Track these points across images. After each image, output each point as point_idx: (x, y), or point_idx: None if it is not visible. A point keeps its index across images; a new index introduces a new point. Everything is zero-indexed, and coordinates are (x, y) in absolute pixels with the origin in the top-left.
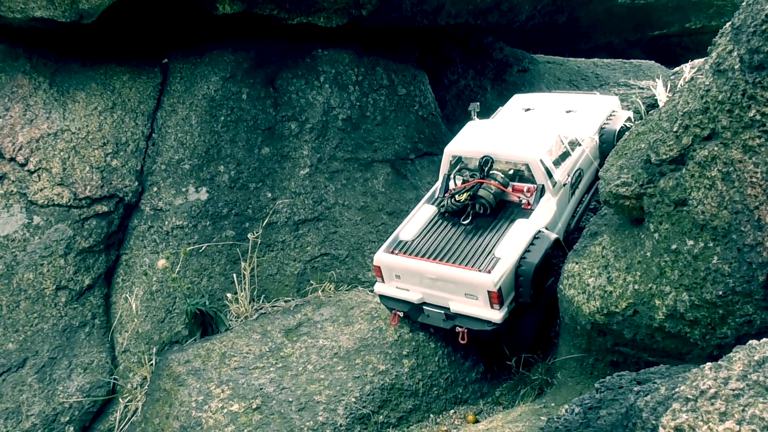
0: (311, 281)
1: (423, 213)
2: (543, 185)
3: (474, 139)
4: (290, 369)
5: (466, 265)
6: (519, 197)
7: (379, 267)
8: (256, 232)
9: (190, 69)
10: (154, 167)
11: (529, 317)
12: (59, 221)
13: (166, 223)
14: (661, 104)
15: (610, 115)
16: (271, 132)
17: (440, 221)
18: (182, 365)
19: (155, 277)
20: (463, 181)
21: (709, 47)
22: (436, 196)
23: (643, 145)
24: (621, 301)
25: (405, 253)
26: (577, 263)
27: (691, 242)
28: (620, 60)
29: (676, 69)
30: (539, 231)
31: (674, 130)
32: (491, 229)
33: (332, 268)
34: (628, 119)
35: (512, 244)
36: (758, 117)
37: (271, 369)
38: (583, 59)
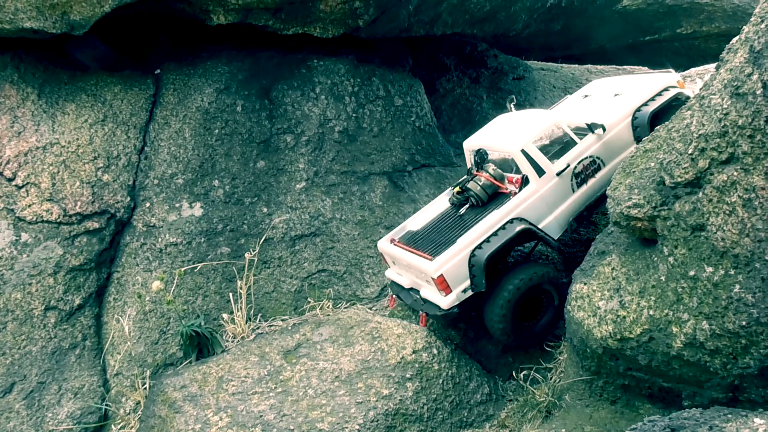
0: (309, 299)
1: (436, 204)
2: (526, 176)
3: (483, 134)
4: (290, 394)
5: (428, 254)
6: (509, 189)
7: (382, 253)
8: (253, 250)
9: (183, 80)
10: (146, 182)
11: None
12: (48, 238)
13: (160, 240)
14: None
15: (656, 96)
16: (267, 145)
17: (447, 213)
18: (178, 390)
19: (149, 297)
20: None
21: (716, 63)
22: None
23: (652, 164)
24: (635, 327)
25: (400, 242)
26: (585, 284)
27: (710, 269)
28: (613, 66)
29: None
30: (511, 220)
31: (689, 152)
32: (477, 220)
33: (330, 284)
34: (676, 98)
35: (473, 232)
36: None
37: (271, 394)
38: (577, 66)
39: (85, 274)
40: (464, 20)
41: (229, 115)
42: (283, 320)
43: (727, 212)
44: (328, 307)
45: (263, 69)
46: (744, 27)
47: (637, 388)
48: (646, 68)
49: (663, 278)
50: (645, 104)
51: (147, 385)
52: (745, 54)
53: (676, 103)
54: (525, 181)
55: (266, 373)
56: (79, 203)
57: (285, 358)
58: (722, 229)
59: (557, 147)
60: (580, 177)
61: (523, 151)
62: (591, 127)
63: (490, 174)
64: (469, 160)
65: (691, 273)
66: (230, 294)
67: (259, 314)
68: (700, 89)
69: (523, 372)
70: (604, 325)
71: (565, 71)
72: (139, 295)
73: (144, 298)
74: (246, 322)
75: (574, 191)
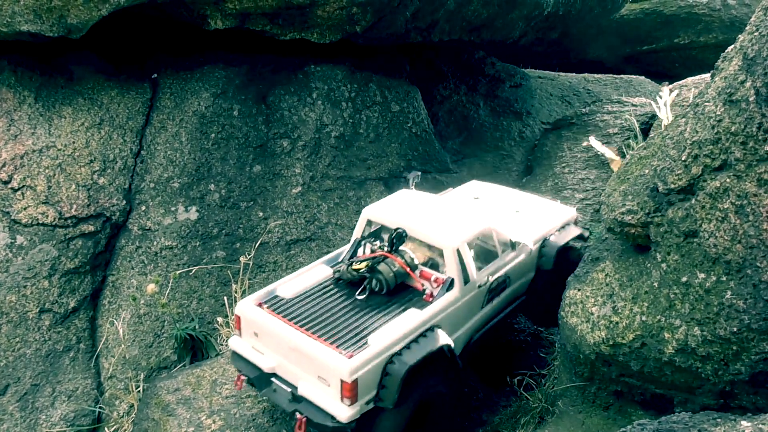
0: None
1: (314, 273)
2: (453, 279)
3: (397, 209)
4: None
5: (330, 343)
6: (424, 285)
7: (239, 317)
8: (248, 254)
9: (180, 84)
10: (142, 185)
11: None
12: (43, 241)
13: (155, 243)
14: (664, 123)
15: (560, 228)
16: (263, 149)
17: (330, 288)
18: (171, 393)
19: (143, 300)
20: (372, 251)
21: (711, 71)
22: (340, 259)
23: (646, 171)
24: (628, 333)
25: (273, 310)
26: (579, 290)
27: (702, 275)
28: (611, 75)
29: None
30: (431, 329)
31: (683, 158)
32: (380, 311)
33: None
34: (579, 237)
35: (390, 334)
36: None
37: (264, 398)
38: (574, 74)
39: (80, 277)
40: (461, 27)
41: (226, 120)
42: None
43: (720, 219)
44: None
45: (260, 74)
46: (739, 36)
47: (630, 395)
48: (644, 77)
49: (656, 284)
50: (553, 234)
51: (141, 388)
52: (739, 62)
53: (577, 244)
54: (449, 285)
55: None
56: (74, 206)
57: None
58: (714, 235)
59: (478, 253)
60: (491, 294)
61: (457, 251)
62: (514, 245)
63: (405, 262)
64: (362, 228)
65: (684, 279)
66: (225, 298)
67: None
68: (695, 97)
69: (517, 378)
70: (597, 331)
71: (562, 80)
72: (134, 298)
73: (139, 301)
74: None
75: (482, 307)
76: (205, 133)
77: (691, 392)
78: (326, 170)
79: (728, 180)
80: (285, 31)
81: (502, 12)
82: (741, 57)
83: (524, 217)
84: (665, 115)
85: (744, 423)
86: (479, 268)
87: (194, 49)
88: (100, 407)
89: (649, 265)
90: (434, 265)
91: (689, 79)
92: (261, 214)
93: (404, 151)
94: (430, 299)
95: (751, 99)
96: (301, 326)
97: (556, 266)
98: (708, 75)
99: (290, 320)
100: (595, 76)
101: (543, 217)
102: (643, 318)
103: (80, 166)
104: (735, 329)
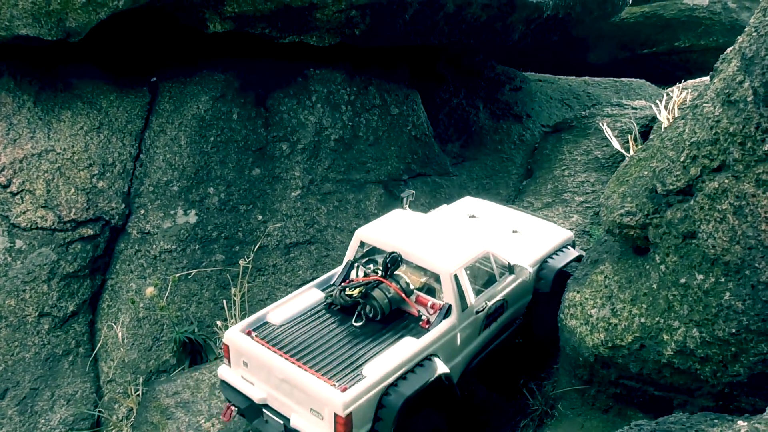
0: None
1: (305, 298)
2: (450, 305)
3: (391, 231)
4: None
5: (322, 374)
6: (420, 311)
7: (227, 346)
8: (248, 258)
9: (179, 88)
10: (141, 189)
11: None
12: (42, 245)
13: (154, 246)
14: (664, 125)
15: (558, 251)
16: (262, 153)
17: (321, 313)
18: (170, 397)
19: (142, 304)
20: (365, 274)
21: (711, 73)
22: (331, 282)
23: (645, 173)
24: (627, 335)
25: (262, 338)
26: (578, 292)
27: (701, 276)
28: (611, 78)
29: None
30: (428, 358)
31: (681, 160)
32: (375, 338)
33: None
34: (577, 259)
35: (386, 364)
36: None
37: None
38: (574, 78)
39: (79, 280)
40: (460, 30)
41: (225, 123)
42: None
43: (718, 220)
44: None
45: (259, 77)
46: (739, 37)
47: (629, 397)
48: (644, 81)
49: (654, 286)
50: (550, 257)
51: (140, 392)
52: (738, 62)
53: (574, 265)
54: (446, 312)
55: None
56: (73, 210)
57: None
58: (713, 236)
59: (476, 278)
60: (489, 318)
61: (455, 277)
62: (512, 268)
63: (401, 287)
64: (354, 249)
65: (682, 281)
66: (224, 301)
67: None
68: (694, 98)
69: (516, 380)
70: (597, 333)
71: (562, 83)
72: (133, 301)
73: (138, 304)
74: None
75: (480, 333)
76: (205, 136)
77: (690, 394)
78: (326, 173)
79: (727, 181)
80: (284, 34)
81: (500, 14)
82: (739, 58)
83: (521, 239)
84: (665, 117)
85: (740, 423)
86: (477, 293)
87: (193, 53)
88: (99, 411)
89: (648, 266)
90: (430, 290)
91: (689, 82)
92: (260, 217)
93: (404, 154)
94: (427, 326)
95: (749, 99)
96: (292, 356)
97: (553, 289)
98: (707, 78)
99: (280, 349)
100: (595, 79)
101: (540, 238)
102: (642, 320)
103: (79, 169)
104: (733, 330)
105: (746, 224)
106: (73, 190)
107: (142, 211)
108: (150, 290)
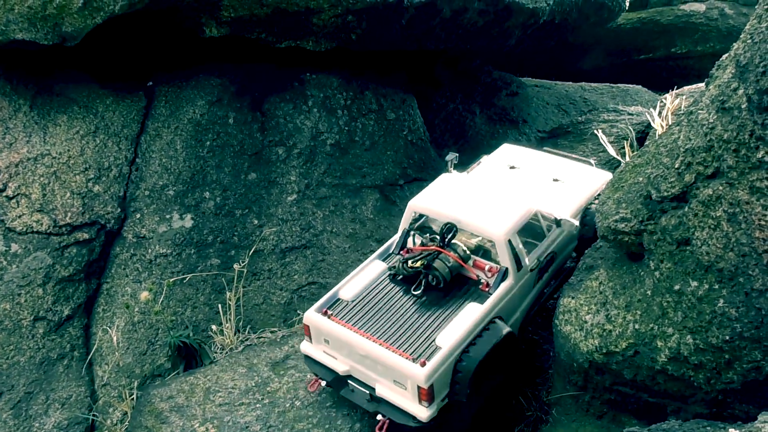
0: (298, 311)
1: (370, 270)
2: (507, 268)
3: (442, 199)
4: (277, 405)
5: (400, 349)
6: (478, 275)
7: (308, 326)
8: (243, 262)
9: (175, 92)
10: (137, 193)
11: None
12: (38, 249)
13: (150, 251)
14: (658, 132)
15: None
16: (258, 157)
17: (387, 284)
18: (165, 401)
19: (137, 308)
20: (422, 243)
21: (706, 79)
22: (390, 251)
23: (640, 179)
24: (621, 341)
25: (339, 317)
26: (573, 298)
27: (695, 283)
28: (607, 84)
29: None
30: (492, 321)
31: (676, 166)
32: (440, 306)
33: (320, 297)
34: None
35: (456, 332)
36: (767, 158)
37: (258, 405)
38: (571, 83)
39: (74, 284)
40: (457, 35)
41: (221, 128)
42: (272, 332)
43: (712, 227)
44: None
45: (255, 82)
46: (734, 44)
47: (624, 404)
48: (640, 86)
49: (649, 292)
50: (592, 202)
51: (134, 396)
52: (733, 69)
53: None
54: (503, 275)
55: (253, 384)
56: (69, 214)
57: (273, 369)
58: (707, 243)
59: (528, 237)
60: (541, 271)
61: (509, 242)
62: (559, 222)
63: (459, 255)
64: (408, 219)
65: (676, 287)
66: (219, 305)
67: (248, 326)
68: (689, 105)
69: (511, 386)
70: (591, 339)
71: (559, 88)
72: (128, 305)
73: (133, 308)
74: (235, 334)
75: (533, 286)
76: (200, 140)
77: (684, 401)
78: (321, 178)
79: (721, 188)
80: (280, 39)
81: (497, 20)
82: (734, 65)
83: (564, 188)
84: (660, 124)
85: (732, 430)
86: (529, 250)
87: (189, 57)
88: (93, 415)
89: (642, 273)
90: (485, 252)
91: (685, 88)
92: (256, 221)
93: (400, 159)
94: (487, 289)
95: (743, 106)
96: (369, 332)
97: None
98: (703, 84)
99: (357, 326)
100: (592, 84)
101: (581, 185)
102: (636, 326)
103: (75, 174)
104: (727, 338)
105: (740, 231)
106: (68, 194)
107: (138, 215)
108: (145, 294)
